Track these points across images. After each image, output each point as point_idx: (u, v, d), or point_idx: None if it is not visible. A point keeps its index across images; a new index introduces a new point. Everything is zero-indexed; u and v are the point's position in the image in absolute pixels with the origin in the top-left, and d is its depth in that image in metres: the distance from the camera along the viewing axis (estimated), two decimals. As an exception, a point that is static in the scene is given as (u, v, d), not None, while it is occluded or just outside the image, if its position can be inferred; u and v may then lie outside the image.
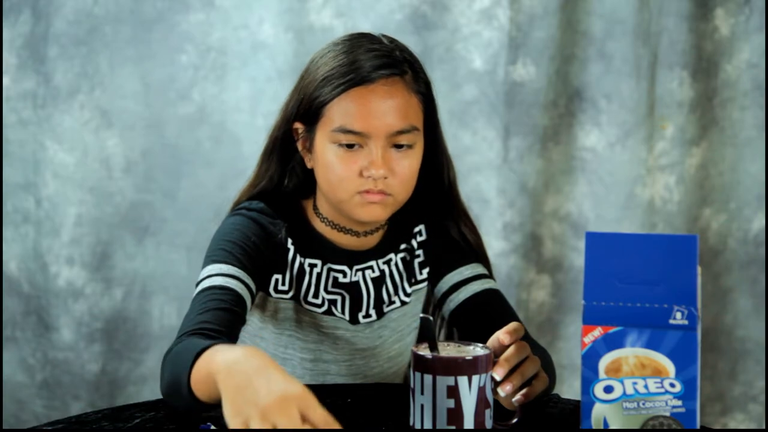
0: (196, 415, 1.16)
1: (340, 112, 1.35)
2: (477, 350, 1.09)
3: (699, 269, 1.01)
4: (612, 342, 1.01)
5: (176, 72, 2.44)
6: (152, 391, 2.46)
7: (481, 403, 1.06)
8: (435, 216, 1.52)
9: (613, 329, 1.01)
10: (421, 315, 1.15)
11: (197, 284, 1.34)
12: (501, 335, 1.14)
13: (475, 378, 1.05)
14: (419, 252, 1.52)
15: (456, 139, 2.45)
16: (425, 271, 1.52)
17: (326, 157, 1.37)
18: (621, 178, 2.48)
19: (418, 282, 1.52)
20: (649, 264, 1.01)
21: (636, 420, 1.01)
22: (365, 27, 2.41)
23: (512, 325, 1.16)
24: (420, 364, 1.06)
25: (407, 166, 1.38)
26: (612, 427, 1.01)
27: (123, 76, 2.44)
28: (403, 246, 1.51)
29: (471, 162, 2.46)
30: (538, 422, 1.20)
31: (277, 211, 1.43)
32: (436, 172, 1.49)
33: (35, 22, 2.42)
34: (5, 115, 2.45)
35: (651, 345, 1.00)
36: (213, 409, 1.07)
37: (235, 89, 2.45)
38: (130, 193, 2.46)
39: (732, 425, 2.56)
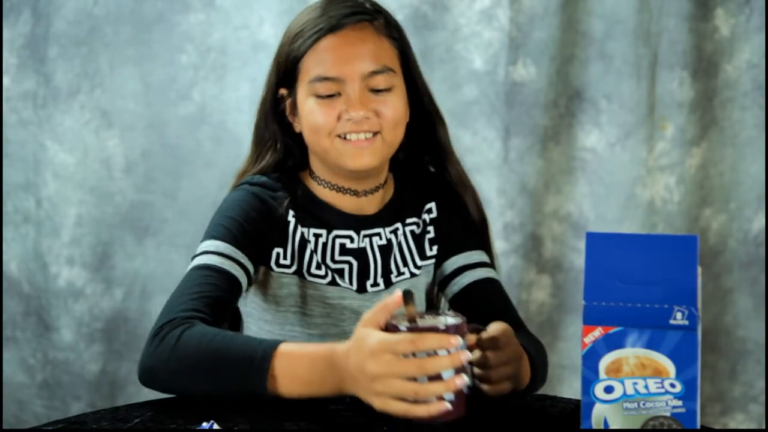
0: (199, 414, 1.16)
1: (314, 62, 1.39)
2: (449, 320, 1.13)
3: (699, 269, 1.01)
4: (612, 342, 1.01)
5: (176, 72, 2.44)
6: (152, 391, 2.46)
7: (458, 368, 1.09)
8: (445, 194, 1.53)
9: (613, 329, 1.01)
10: (404, 289, 1.17)
11: (193, 257, 1.36)
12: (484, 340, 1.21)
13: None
14: (430, 228, 1.52)
15: (456, 140, 2.42)
16: (435, 248, 1.52)
17: (307, 109, 1.40)
18: (621, 179, 2.48)
19: (427, 258, 1.52)
20: (649, 264, 1.01)
21: (636, 420, 1.01)
22: (365, 27, 2.41)
23: (500, 329, 1.22)
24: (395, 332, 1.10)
25: (391, 106, 1.40)
26: (612, 427, 1.01)
27: (123, 76, 2.44)
28: (412, 219, 1.51)
29: (471, 162, 2.45)
30: (538, 422, 1.21)
31: (279, 183, 1.45)
32: (427, 124, 1.50)
33: (35, 23, 2.42)
34: (5, 115, 2.45)
35: (651, 345, 1.00)
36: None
37: (235, 89, 2.45)
38: (131, 194, 2.46)
39: (732, 425, 2.56)
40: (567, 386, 2.50)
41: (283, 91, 1.46)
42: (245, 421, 1.14)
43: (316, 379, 1.16)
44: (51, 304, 2.47)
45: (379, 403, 1.09)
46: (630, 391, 1.01)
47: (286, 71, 1.43)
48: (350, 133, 1.39)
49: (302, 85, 1.41)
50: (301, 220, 1.44)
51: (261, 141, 1.51)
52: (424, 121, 1.50)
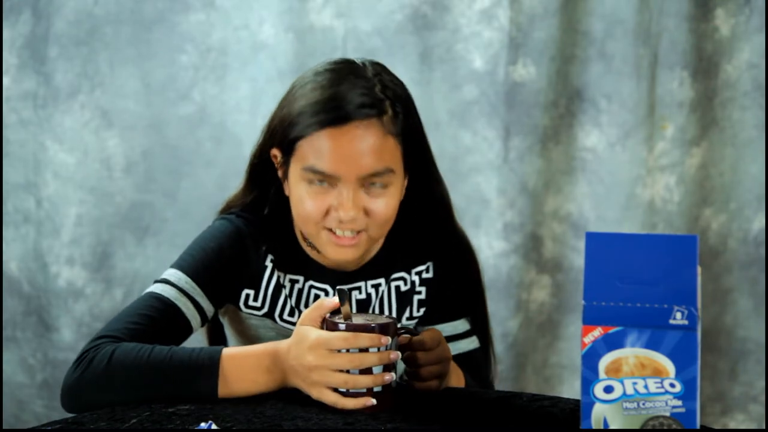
0: (197, 414, 1.17)
1: (312, 150, 1.32)
2: (383, 319, 1.25)
3: (699, 269, 1.01)
4: (612, 342, 1.01)
5: (176, 72, 2.44)
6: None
7: (388, 364, 1.22)
8: (446, 253, 1.49)
9: (613, 329, 1.01)
10: (338, 287, 1.22)
11: (155, 281, 1.38)
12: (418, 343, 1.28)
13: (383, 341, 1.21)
14: (421, 289, 1.49)
15: (456, 140, 2.45)
16: (423, 310, 1.50)
17: (297, 192, 1.36)
18: (621, 179, 2.48)
19: (412, 318, 1.50)
20: (649, 264, 1.01)
21: (636, 420, 1.01)
22: (365, 27, 2.41)
23: (429, 333, 1.30)
24: (332, 330, 1.21)
25: (383, 205, 1.35)
26: (612, 427, 1.01)
27: (123, 76, 2.44)
28: (399, 275, 1.48)
29: (471, 162, 2.46)
30: (538, 422, 1.21)
31: (264, 224, 1.43)
32: (433, 206, 1.48)
33: (36, 23, 2.42)
34: (5, 115, 2.45)
35: (651, 345, 1.00)
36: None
37: (235, 89, 2.45)
38: (131, 194, 2.46)
39: (732, 425, 2.56)
40: (567, 386, 2.50)
41: (276, 153, 1.41)
42: (244, 421, 1.15)
43: (262, 376, 1.24)
44: (51, 304, 2.47)
45: (316, 393, 1.20)
46: (630, 391, 1.01)
47: (282, 141, 1.37)
48: (336, 229, 1.36)
49: (296, 164, 1.35)
50: (278, 265, 1.44)
51: (253, 180, 1.47)
52: (431, 200, 1.47)
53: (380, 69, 1.39)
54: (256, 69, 2.43)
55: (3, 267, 2.48)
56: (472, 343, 1.50)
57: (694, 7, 2.46)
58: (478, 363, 1.51)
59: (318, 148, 1.32)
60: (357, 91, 1.32)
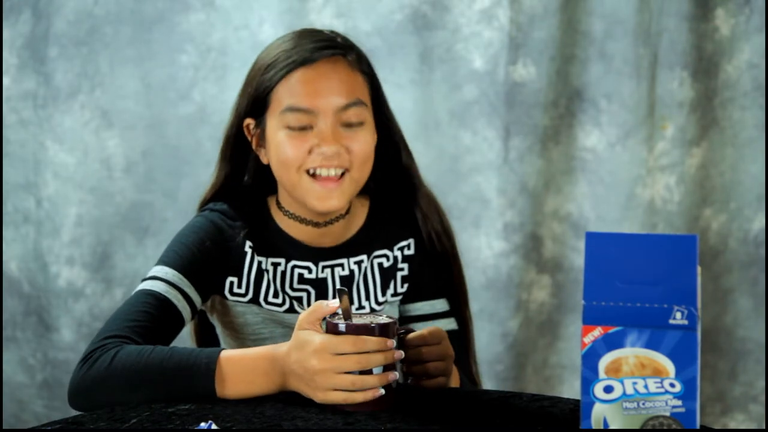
0: (197, 414, 1.17)
1: (287, 93, 1.39)
2: (383, 319, 1.25)
3: (699, 269, 1.01)
4: (612, 342, 1.01)
5: (176, 72, 2.44)
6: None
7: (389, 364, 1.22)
8: (423, 229, 1.51)
9: (613, 329, 1.01)
10: (338, 288, 1.23)
11: (143, 280, 1.40)
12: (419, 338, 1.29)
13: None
14: (404, 266, 1.51)
15: (456, 139, 2.45)
16: (406, 285, 1.52)
17: (277, 141, 1.40)
18: (621, 179, 2.48)
19: (397, 294, 1.51)
20: (649, 264, 1.01)
21: (636, 420, 1.01)
22: (365, 27, 2.41)
23: (430, 329, 1.30)
24: (332, 332, 1.21)
25: (362, 141, 1.40)
26: (612, 427, 1.01)
27: (123, 76, 2.44)
28: (381, 252, 1.50)
29: (471, 162, 2.46)
30: (538, 422, 1.20)
31: (239, 211, 1.46)
32: (392, 155, 1.50)
33: (36, 22, 2.42)
34: (5, 115, 2.45)
35: (651, 345, 1.00)
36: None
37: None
38: (131, 194, 2.47)
39: (732, 425, 2.56)
40: (567, 386, 2.50)
41: (249, 121, 1.45)
42: (244, 421, 1.15)
43: (259, 379, 1.24)
44: (51, 304, 2.47)
45: (321, 395, 1.20)
46: (630, 390, 1.01)
47: (256, 100, 1.43)
48: (320, 168, 1.39)
49: (272, 115, 1.41)
50: (258, 250, 1.45)
51: (224, 167, 1.52)
52: (391, 150, 1.50)
53: (335, 32, 1.47)
54: (256, 69, 2.43)
55: (3, 267, 2.48)
56: (449, 324, 1.52)
57: (694, 7, 2.46)
58: (456, 346, 1.51)
59: (292, 90, 1.38)
60: (321, 39, 1.42)
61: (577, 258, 2.50)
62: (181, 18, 2.43)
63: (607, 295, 1.01)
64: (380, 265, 1.50)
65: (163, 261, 1.42)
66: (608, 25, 2.44)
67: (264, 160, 1.45)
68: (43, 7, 2.41)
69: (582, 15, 2.45)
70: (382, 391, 1.20)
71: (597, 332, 1.01)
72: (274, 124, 1.40)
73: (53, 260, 2.46)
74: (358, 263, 1.49)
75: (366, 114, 1.41)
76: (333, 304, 1.22)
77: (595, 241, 1.03)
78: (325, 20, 2.41)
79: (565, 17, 2.44)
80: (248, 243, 1.45)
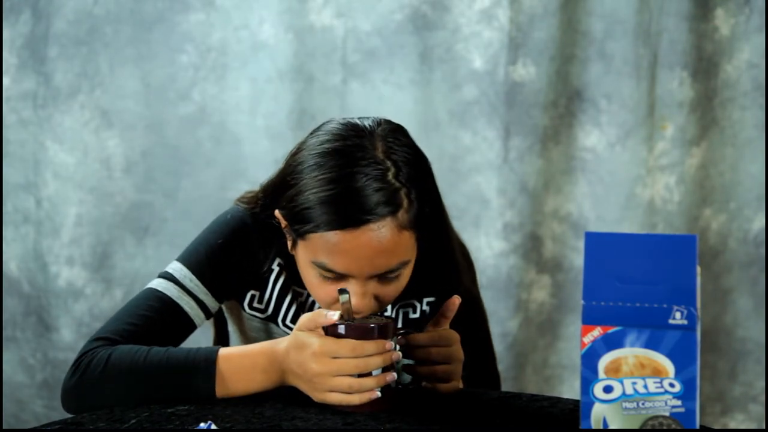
0: (197, 414, 1.17)
1: (323, 248, 1.24)
2: (381, 320, 1.27)
3: (699, 269, 1.01)
4: (611, 342, 1.01)
5: (176, 72, 2.44)
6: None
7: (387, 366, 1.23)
8: (446, 286, 1.43)
9: (612, 329, 1.01)
10: (339, 288, 1.21)
11: (159, 274, 1.38)
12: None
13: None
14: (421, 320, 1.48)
15: (456, 139, 2.45)
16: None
17: (306, 273, 1.31)
18: (621, 178, 2.48)
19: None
20: (648, 264, 1.01)
21: (635, 420, 1.01)
22: (365, 27, 2.41)
23: (444, 336, 1.29)
24: (332, 333, 1.22)
25: (394, 290, 1.31)
26: (611, 427, 1.01)
27: (123, 76, 2.44)
28: (406, 301, 1.46)
29: (471, 162, 2.46)
30: (538, 422, 1.20)
31: (273, 226, 1.35)
32: (447, 257, 1.44)
33: (35, 22, 2.42)
34: (5, 115, 2.45)
35: (650, 345, 1.00)
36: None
37: (235, 89, 2.45)
38: (131, 194, 2.46)
39: (732, 425, 2.56)
40: (567, 386, 2.50)
41: (280, 217, 1.32)
42: (243, 421, 1.15)
43: (259, 376, 1.24)
44: (51, 304, 2.47)
45: (319, 396, 1.21)
46: (629, 390, 1.01)
47: (288, 219, 1.29)
48: None
49: (305, 250, 1.28)
50: (286, 270, 1.41)
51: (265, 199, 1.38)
52: (445, 253, 1.43)
53: (388, 133, 1.28)
54: (255, 69, 2.43)
55: (3, 267, 2.48)
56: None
57: (694, 7, 2.46)
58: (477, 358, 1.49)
59: (329, 248, 1.24)
60: (371, 186, 1.22)
61: (576, 258, 2.50)
62: (181, 18, 2.43)
63: (607, 295, 1.01)
64: (405, 314, 1.46)
65: (185, 259, 1.38)
66: (608, 25, 2.44)
67: (290, 251, 1.34)
68: (43, 7, 2.41)
69: (582, 15, 2.45)
70: (378, 394, 1.21)
71: (596, 332, 1.01)
72: (305, 257, 1.29)
73: (53, 260, 2.46)
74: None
75: (407, 268, 1.30)
76: (333, 316, 1.21)
77: (595, 241, 1.03)
78: (325, 20, 2.41)
79: (565, 17, 2.44)
80: (278, 260, 1.40)
